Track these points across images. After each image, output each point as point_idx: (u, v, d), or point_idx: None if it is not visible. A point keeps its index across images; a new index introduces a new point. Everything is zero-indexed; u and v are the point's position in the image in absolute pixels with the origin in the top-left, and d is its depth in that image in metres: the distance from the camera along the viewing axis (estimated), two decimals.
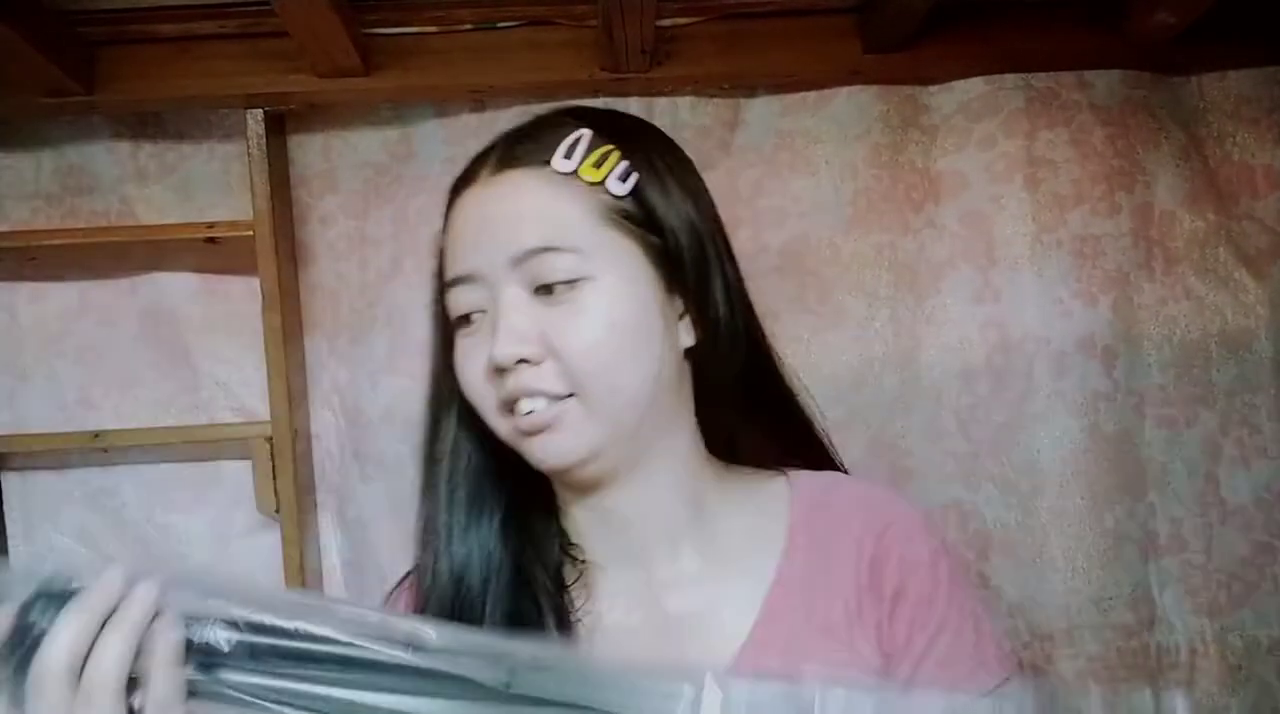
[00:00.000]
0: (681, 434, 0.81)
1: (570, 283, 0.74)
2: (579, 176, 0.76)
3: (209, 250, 1.30)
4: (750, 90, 1.36)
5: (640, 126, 0.84)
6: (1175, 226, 1.36)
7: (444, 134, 1.36)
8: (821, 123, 1.35)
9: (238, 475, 1.38)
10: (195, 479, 1.39)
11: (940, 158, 1.36)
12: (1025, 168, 1.33)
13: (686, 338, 0.79)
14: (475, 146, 1.40)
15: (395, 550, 1.35)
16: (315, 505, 1.39)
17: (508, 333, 0.73)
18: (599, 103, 1.33)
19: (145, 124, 1.36)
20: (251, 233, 1.27)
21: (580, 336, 0.74)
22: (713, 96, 1.35)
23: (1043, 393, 1.32)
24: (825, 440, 0.89)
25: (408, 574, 0.85)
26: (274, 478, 1.29)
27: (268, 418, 1.30)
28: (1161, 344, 1.35)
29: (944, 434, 1.34)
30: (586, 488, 0.79)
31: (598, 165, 0.76)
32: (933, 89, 1.36)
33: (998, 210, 1.34)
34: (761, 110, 1.36)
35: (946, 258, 1.35)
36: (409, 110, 1.37)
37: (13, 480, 1.39)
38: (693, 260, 0.78)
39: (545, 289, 0.74)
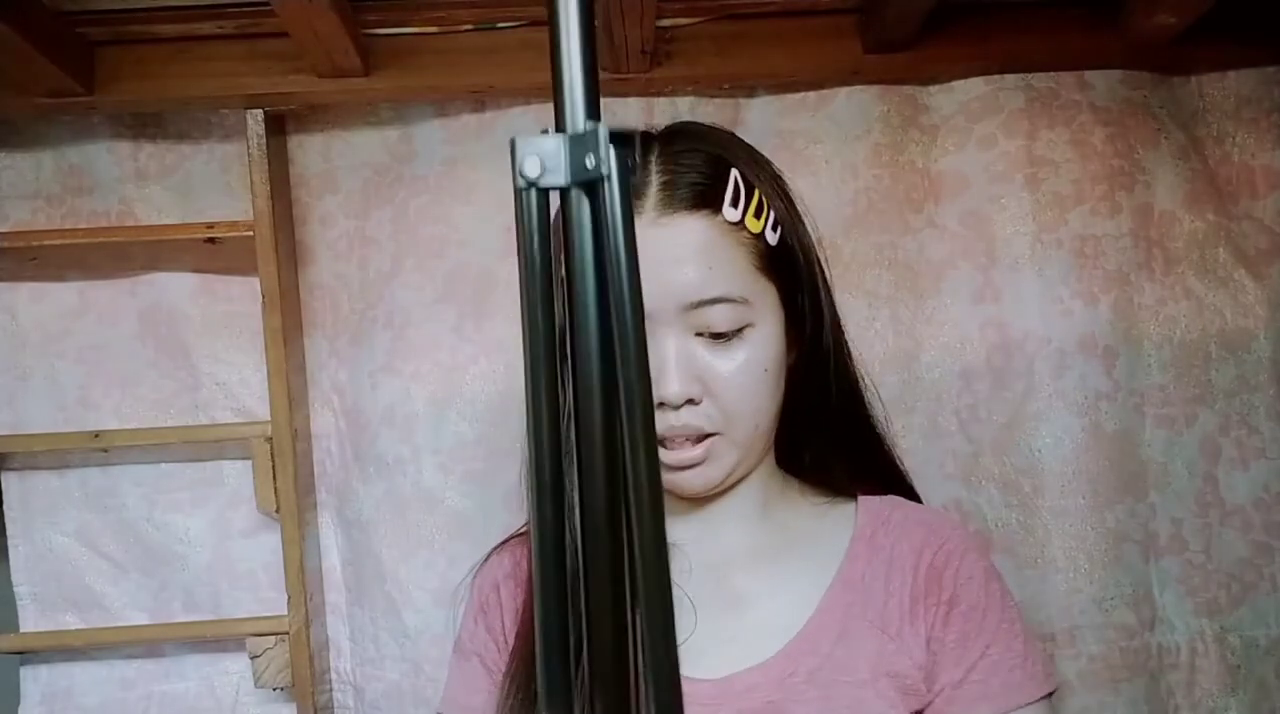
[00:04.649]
0: (769, 450, 0.90)
1: (737, 332, 0.81)
2: (744, 226, 0.82)
3: (209, 250, 1.30)
4: (750, 90, 1.36)
5: (738, 142, 0.90)
6: (1175, 227, 1.36)
7: (444, 134, 1.36)
8: (821, 123, 1.35)
9: (238, 475, 1.38)
10: (195, 479, 1.39)
11: (940, 158, 1.36)
12: (1025, 168, 1.33)
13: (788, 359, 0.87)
14: (475, 147, 1.41)
15: (395, 550, 1.35)
16: (315, 505, 1.39)
17: (680, 374, 0.80)
18: (601, 104, 1.33)
19: (145, 124, 1.36)
20: (251, 233, 1.27)
21: (740, 383, 0.81)
22: (713, 96, 1.35)
23: (1043, 393, 1.32)
24: (902, 467, 0.97)
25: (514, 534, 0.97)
26: (274, 478, 1.29)
27: (268, 418, 1.30)
28: (1161, 344, 1.35)
29: (944, 434, 1.34)
30: (701, 500, 0.87)
31: (758, 215, 0.83)
32: (933, 89, 1.36)
33: (998, 210, 1.34)
34: (761, 110, 1.36)
35: (947, 258, 1.35)
36: (409, 110, 1.37)
37: (13, 480, 1.38)
38: (809, 296, 0.87)
39: (714, 335, 0.81)
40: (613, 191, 0.42)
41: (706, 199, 0.82)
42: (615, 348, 0.43)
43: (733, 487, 0.87)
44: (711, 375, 0.81)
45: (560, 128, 0.44)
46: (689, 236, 0.81)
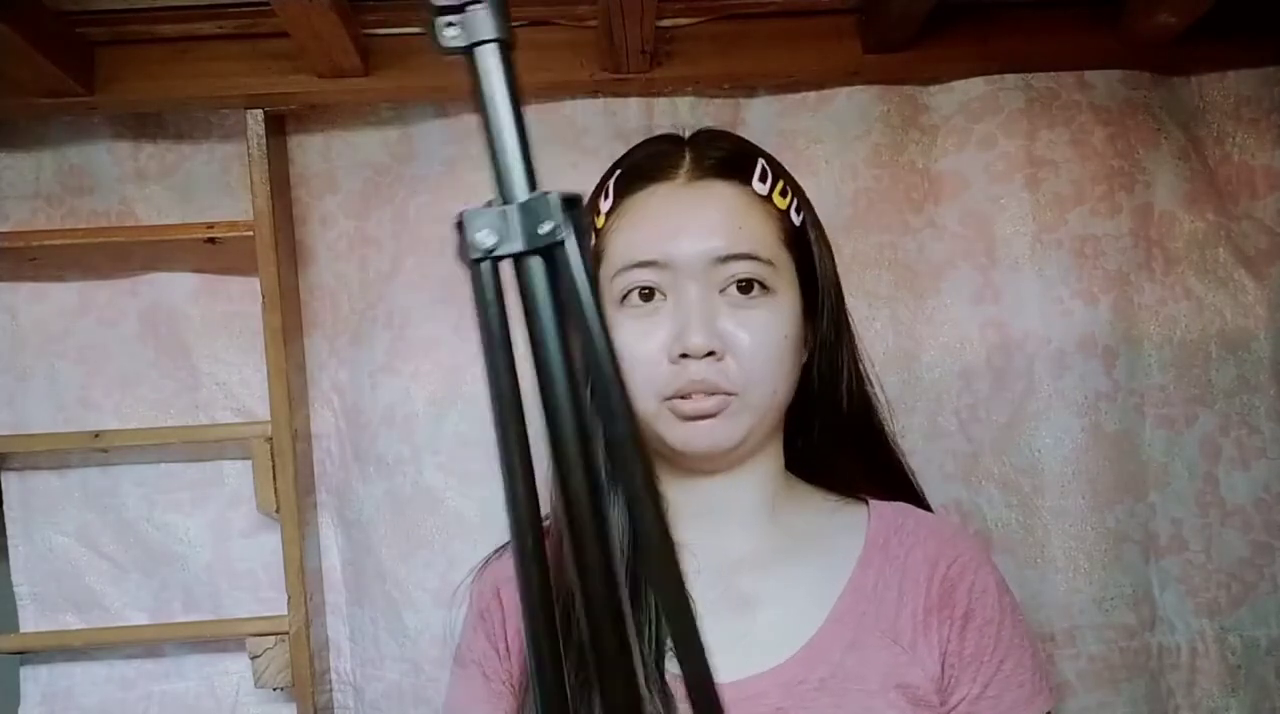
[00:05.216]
0: (778, 439, 0.90)
1: (762, 292, 0.83)
2: (771, 201, 0.86)
3: (209, 250, 1.30)
4: (750, 90, 1.36)
5: (760, 149, 0.94)
6: (1175, 227, 1.36)
7: (444, 134, 1.36)
8: (821, 123, 1.35)
9: (238, 475, 1.38)
10: (195, 479, 1.39)
11: (940, 158, 1.36)
12: (1025, 168, 1.33)
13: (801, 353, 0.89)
14: (475, 147, 1.41)
15: (395, 550, 1.35)
16: (315, 505, 1.39)
17: (704, 325, 0.81)
18: (599, 103, 1.34)
19: (145, 124, 1.36)
20: (251, 233, 1.27)
21: (760, 343, 0.83)
22: (713, 97, 1.35)
23: (1043, 393, 1.32)
24: (910, 474, 0.99)
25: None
26: (274, 478, 1.29)
27: (268, 418, 1.30)
28: (1161, 344, 1.35)
29: (944, 434, 1.34)
30: (709, 473, 0.88)
31: (784, 195, 0.87)
32: (933, 89, 1.36)
33: (998, 210, 1.34)
34: (761, 110, 1.36)
35: (946, 258, 1.35)
36: (409, 110, 1.37)
37: (13, 480, 1.38)
38: (825, 290, 0.89)
39: (737, 291, 0.83)
40: (571, 253, 0.44)
41: (736, 172, 0.86)
42: (599, 408, 0.44)
43: (741, 467, 0.87)
44: (733, 333, 0.82)
45: (505, 199, 0.46)
46: (720, 199, 0.85)
